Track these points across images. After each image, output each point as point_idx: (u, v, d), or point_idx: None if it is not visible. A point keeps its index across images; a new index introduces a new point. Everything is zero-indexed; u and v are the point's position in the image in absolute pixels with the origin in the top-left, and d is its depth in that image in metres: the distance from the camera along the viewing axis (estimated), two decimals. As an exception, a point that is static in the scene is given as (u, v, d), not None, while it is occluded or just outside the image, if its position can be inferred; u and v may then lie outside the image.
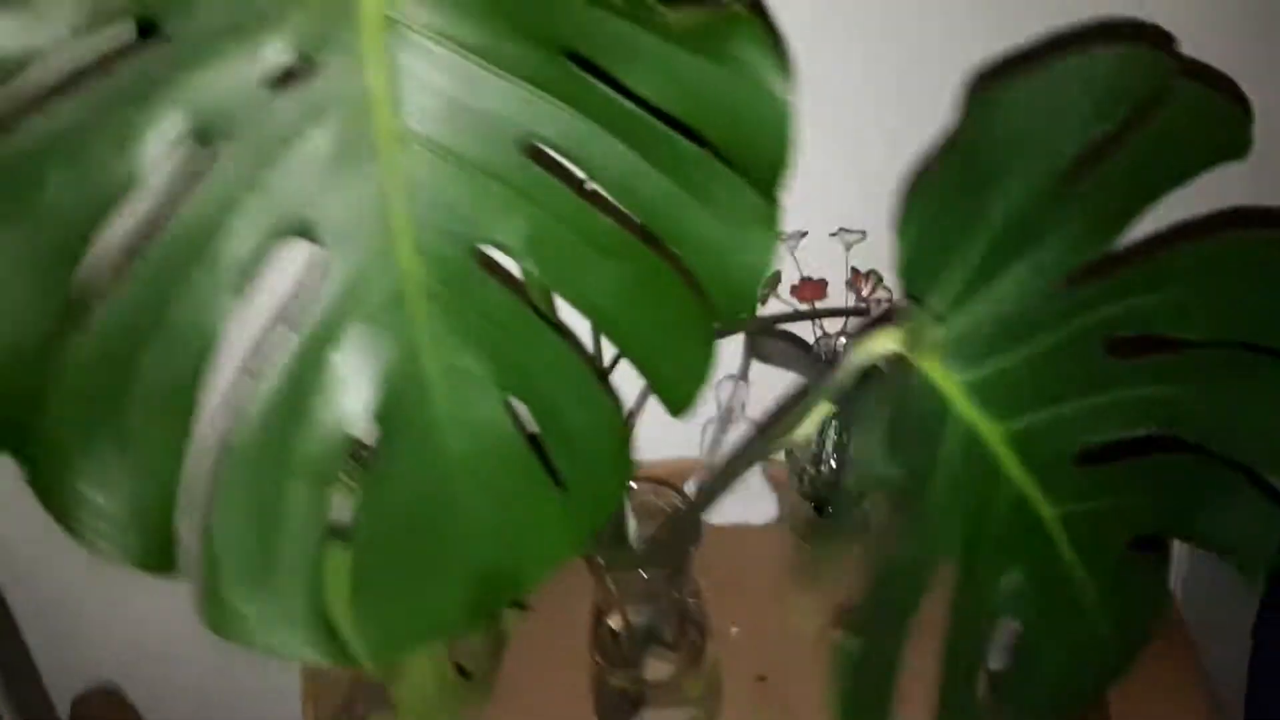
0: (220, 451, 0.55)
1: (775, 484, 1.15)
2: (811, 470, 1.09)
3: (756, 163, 0.53)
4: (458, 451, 0.59)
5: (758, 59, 0.50)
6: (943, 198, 0.51)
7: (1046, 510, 0.59)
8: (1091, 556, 0.59)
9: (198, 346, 0.53)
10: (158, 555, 0.55)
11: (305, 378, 0.55)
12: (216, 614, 0.56)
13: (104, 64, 0.48)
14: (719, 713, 1.01)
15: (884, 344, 0.53)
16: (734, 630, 1.07)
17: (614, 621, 0.97)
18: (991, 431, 0.57)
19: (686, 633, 0.97)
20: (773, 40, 0.50)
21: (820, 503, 1.10)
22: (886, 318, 0.54)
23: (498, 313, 0.58)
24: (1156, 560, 0.62)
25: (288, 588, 0.57)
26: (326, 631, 0.58)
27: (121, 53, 0.48)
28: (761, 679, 1.04)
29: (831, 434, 1.08)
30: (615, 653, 0.98)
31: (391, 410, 0.57)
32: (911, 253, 0.51)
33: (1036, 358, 0.55)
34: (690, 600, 0.97)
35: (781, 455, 1.11)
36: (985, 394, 0.56)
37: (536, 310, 0.59)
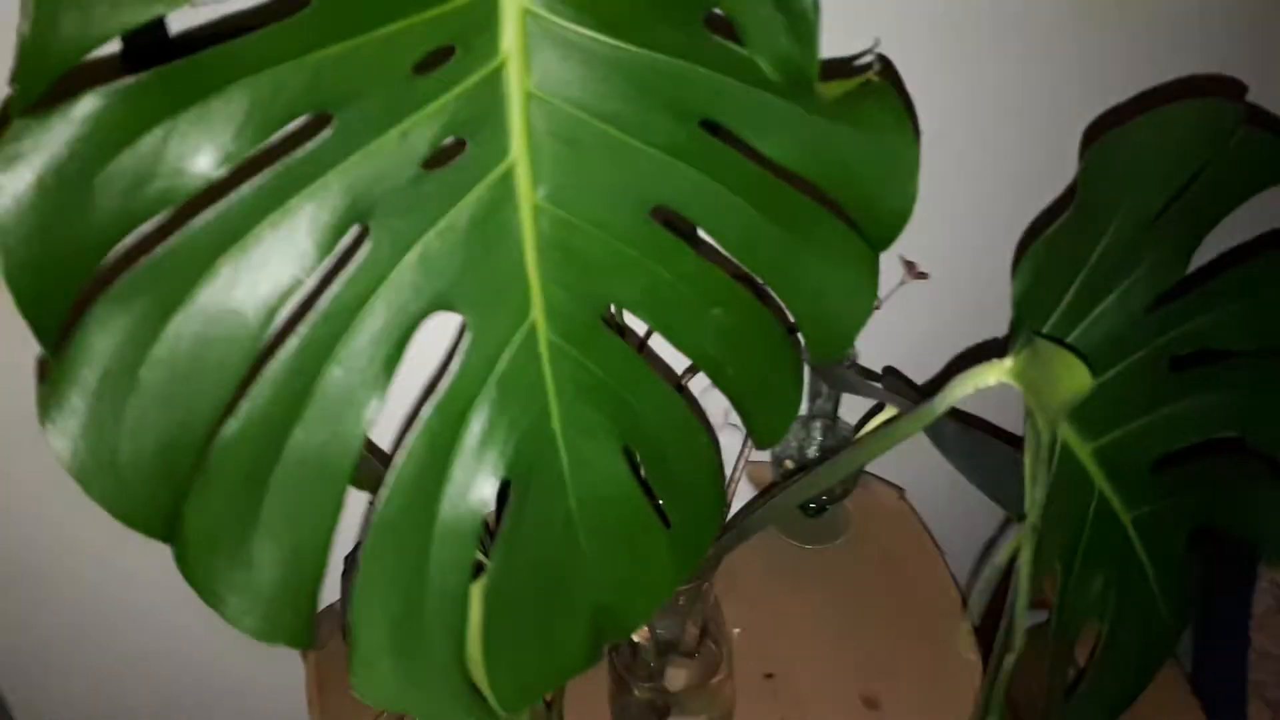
0: (365, 521, 0.56)
1: (757, 484, 1.19)
2: (796, 469, 1.14)
3: (878, 216, 0.56)
4: (581, 500, 0.61)
5: (892, 124, 0.53)
6: (1054, 240, 0.56)
7: (1125, 516, 0.65)
8: (1158, 553, 0.66)
9: (347, 422, 0.53)
10: (304, 632, 0.56)
11: (446, 442, 0.56)
12: (365, 680, 0.57)
13: (270, 153, 0.48)
14: (733, 713, 1.05)
15: (992, 376, 0.57)
16: (736, 631, 1.11)
17: (635, 634, 1.00)
18: (1082, 449, 0.62)
19: (704, 642, 1.01)
20: (904, 106, 0.53)
21: (806, 502, 1.15)
22: (993, 351, 0.58)
23: (616, 366, 0.60)
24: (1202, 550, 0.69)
25: (434, 651, 0.58)
26: (471, 689, 0.59)
27: (286, 142, 0.48)
28: (769, 676, 1.09)
29: (817, 434, 1.13)
30: (636, 665, 1.01)
31: (523, 467, 0.59)
32: (1024, 291, 0.56)
33: (1117, 379, 0.61)
34: (709, 611, 1.00)
35: (767, 455, 1.16)
36: (1078, 416, 0.61)
37: (646, 360, 0.61)
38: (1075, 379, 0.48)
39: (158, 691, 1.15)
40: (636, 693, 1.01)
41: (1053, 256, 0.56)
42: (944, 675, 1.06)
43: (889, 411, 0.77)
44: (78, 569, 1.00)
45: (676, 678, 1.01)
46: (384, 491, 0.55)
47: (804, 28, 0.47)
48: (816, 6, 0.47)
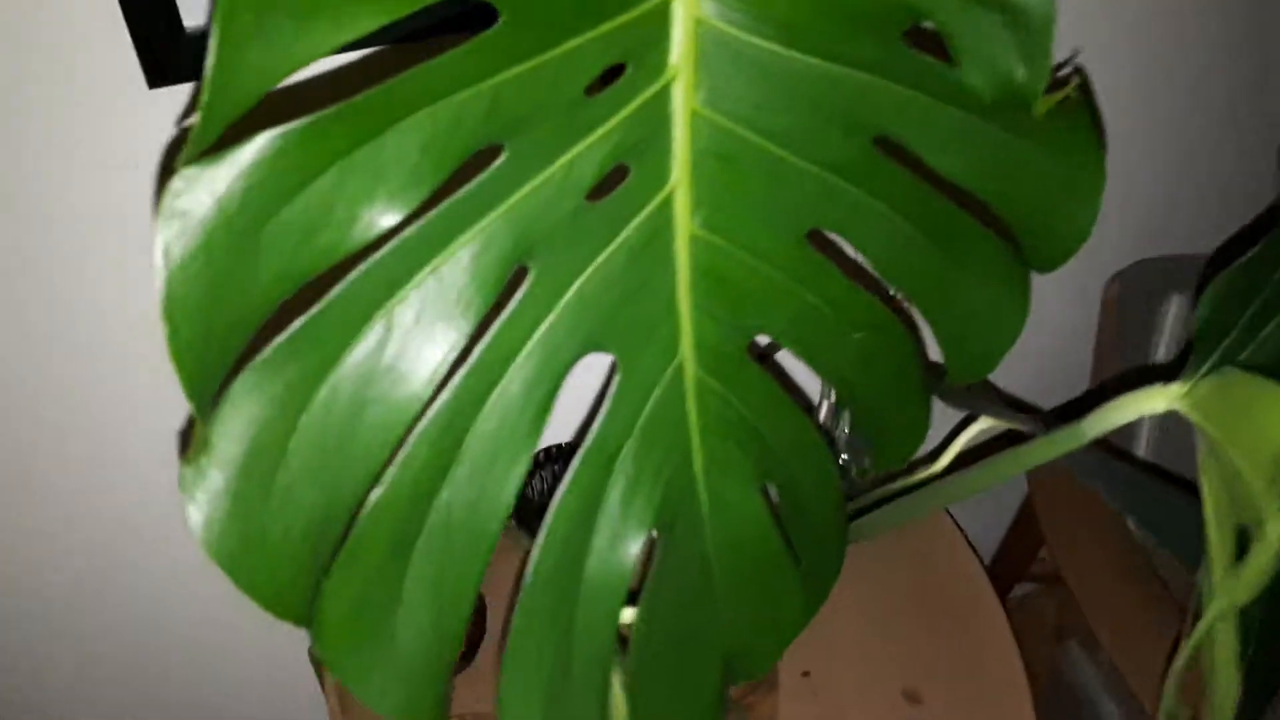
0: (519, 583, 0.51)
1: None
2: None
3: (1052, 238, 0.53)
4: (717, 543, 0.57)
5: (1084, 144, 0.49)
6: (1249, 263, 0.53)
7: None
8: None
9: (497, 480, 0.48)
10: (443, 708, 0.50)
11: (594, 495, 0.51)
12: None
13: (437, 193, 0.42)
14: (776, 711, 1.02)
15: (1160, 402, 0.55)
16: (772, 632, 1.08)
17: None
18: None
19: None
20: (1098, 125, 0.49)
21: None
22: (1154, 377, 0.55)
23: (758, 401, 0.55)
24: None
25: (580, 712, 0.53)
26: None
27: (455, 177, 0.42)
28: (806, 675, 1.06)
29: (845, 428, 1.10)
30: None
31: (668, 515, 0.54)
32: (1209, 314, 0.53)
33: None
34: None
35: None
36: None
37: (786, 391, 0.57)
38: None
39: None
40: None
41: (1242, 279, 0.53)
42: (984, 667, 1.05)
43: (982, 424, 0.73)
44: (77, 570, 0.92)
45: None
46: (534, 553, 0.50)
47: (1035, 45, 0.43)
48: (1051, 22, 0.42)
